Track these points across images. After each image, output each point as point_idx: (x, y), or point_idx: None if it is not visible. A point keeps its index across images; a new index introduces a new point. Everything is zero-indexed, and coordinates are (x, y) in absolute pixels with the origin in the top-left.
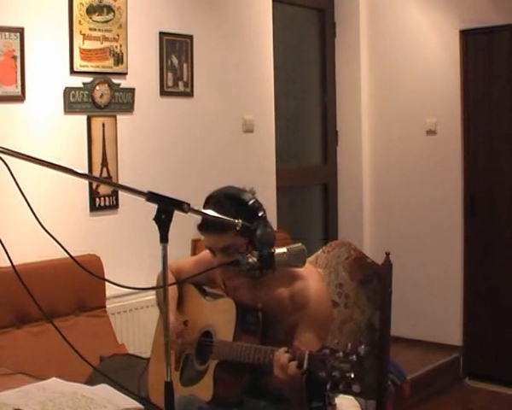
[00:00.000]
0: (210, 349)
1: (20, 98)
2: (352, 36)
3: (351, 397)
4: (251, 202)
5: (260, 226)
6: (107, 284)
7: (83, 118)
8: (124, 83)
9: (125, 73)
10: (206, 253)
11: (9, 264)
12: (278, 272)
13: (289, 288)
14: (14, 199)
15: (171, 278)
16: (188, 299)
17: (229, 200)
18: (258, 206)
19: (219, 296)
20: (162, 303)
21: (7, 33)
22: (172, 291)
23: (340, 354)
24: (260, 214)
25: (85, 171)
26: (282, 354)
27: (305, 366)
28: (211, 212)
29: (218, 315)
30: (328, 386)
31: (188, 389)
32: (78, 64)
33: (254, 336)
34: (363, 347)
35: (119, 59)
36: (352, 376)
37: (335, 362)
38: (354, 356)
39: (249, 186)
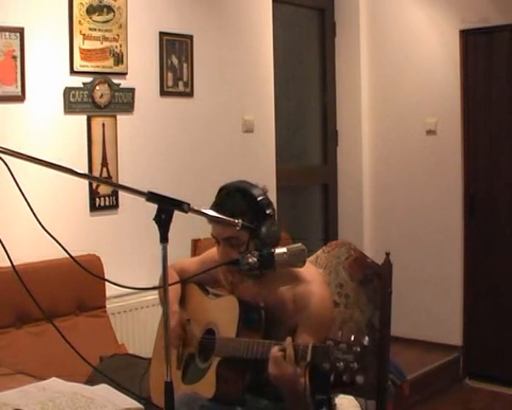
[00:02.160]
0: (212, 346)
1: (20, 98)
2: (352, 36)
3: (351, 397)
4: (260, 198)
5: (266, 224)
6: (107, 284)
7: (83, 118)
8: (124, 83)
9: (125, 73)
10: (209, 253)
11: (9, 264)
12: (282, 272)
13: (292, 289)
14: (14, 199)
15: (174, 276)
16: (191, 298)
17: (239, 193)
18: (266, 203)
19: (222, 295)
20: (164, 302)
21: (7, 33)
22: (176, 287)
23: (344, 345)
24: (268, 212)
25: (85, 171)
26: (276, 352)
27: (308, 358)
28: (211, 212)
29: (220, 313)
30: (331, 378)
31: (190, 386)
32: (78, 64)
33: (257, 334)
34: (366, 338)
35: (119, 59)
36: (356, 366)
37: (339, 353)
38: (358, 347)
39: (262, 184)
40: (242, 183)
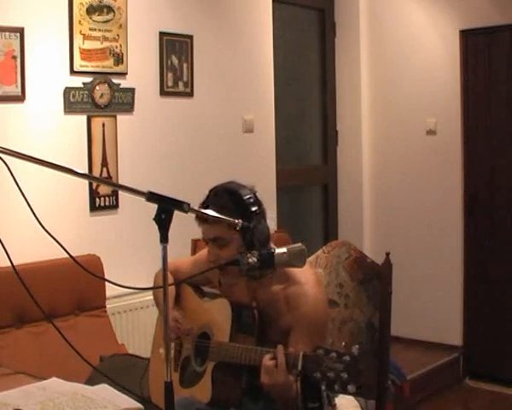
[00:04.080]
0: (207, 350)
1: (20, 98)
2: (352, 36)
3: (351, 397)
4: (246, 196)
5: (254, 222)
6: (107, 284)
7: (83, 118)
8: (124, 83)
9: (125, 73)
10: (203, 252)
11: (9, 264)
12: (277, 272)
13: (285, 290)
14: (14, 199)
15: (169, 278)
16: (184, 299)
17: (226, 193)
18: (253, 201)
19: (216, 296)
20: (162, 303)
21: (7, 33)
22: (171, 288)
23: (334, 354)
24: (253, 210)
25: (85, 171)
26: (267, 361)
27: (299, 367)
28: (210, 211)
29: (214, 316)
30: (323, 387)
31: (187, 390)
32: (78, 64)
33: (251, 336)
34: (357, 346)
35: (119, 59)
36: (346, 376)
37: (329, 363)
38: (348, 356)
39: (251, 184)
40: (231, 183)
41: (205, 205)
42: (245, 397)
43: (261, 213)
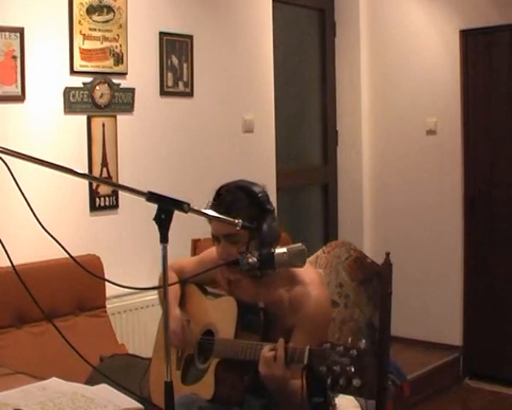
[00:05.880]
0: (211, 348)
1: (20, 98)
2: (352, 36)
3: (351, 397)
4: (260, 194)
5: (267, 220)
6: (107, 284)
7: (83, 118)
8: (124, 83)
9: (125, 73)
10: (207, 252)
11: (9, 264)
12: (281, 272)
13: (289, 291)
14: (14, 199)
15: (173, 277)
16: (189, 298)
17: (240, 190)
18: (267, 199)
19: (221, 295)
20: (164, 302)
21: (7, 33)
22: (175, 288)
23: (341, 348)
24: (268, 207)
25: (85, 171)
26: (266, 352)
27: (305, 360)
28: (211, 211)
29: (219, 314)
30: (328, 381)
31: (189, 387)
32: (78, 64)
33: (255, 335)
34: (363, 341)
35: (119, 59)
36: (353, 370)
37: (336, 356)
38: (355, 350)
39: (262, 183)
40: (242, 181)
41: (217, 202)
42: (248, 394)
43: (274, 212)
